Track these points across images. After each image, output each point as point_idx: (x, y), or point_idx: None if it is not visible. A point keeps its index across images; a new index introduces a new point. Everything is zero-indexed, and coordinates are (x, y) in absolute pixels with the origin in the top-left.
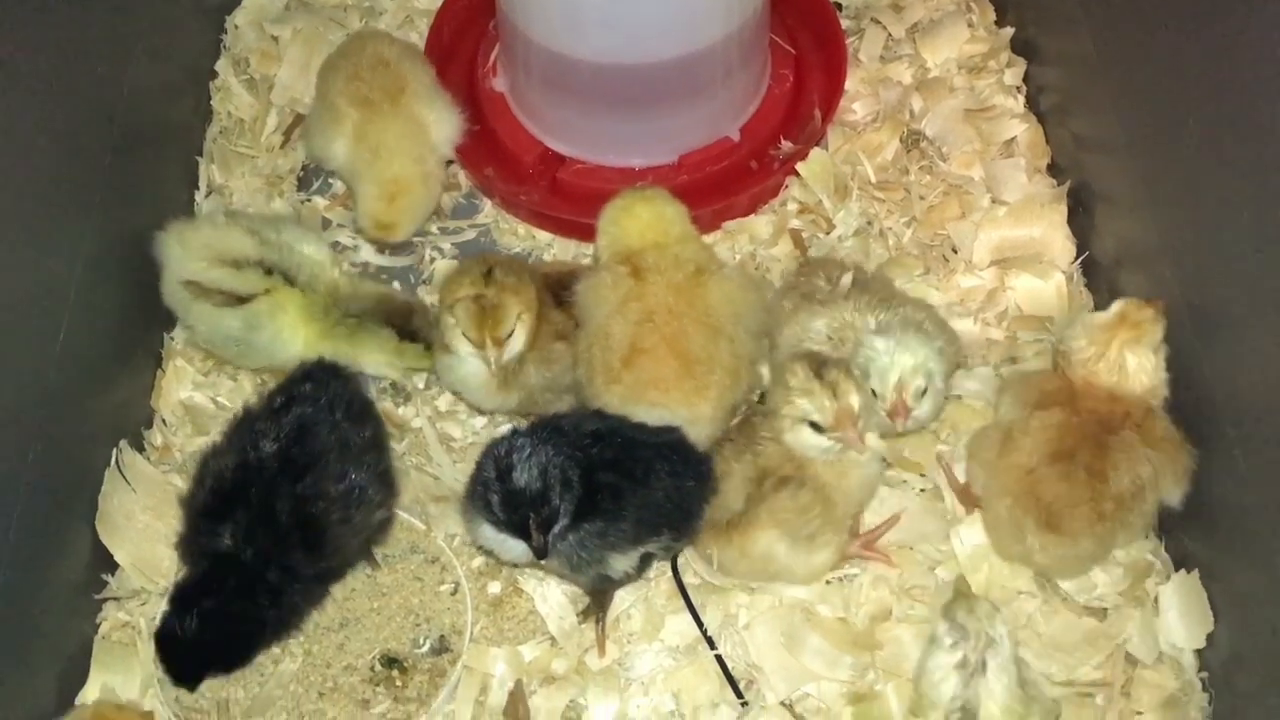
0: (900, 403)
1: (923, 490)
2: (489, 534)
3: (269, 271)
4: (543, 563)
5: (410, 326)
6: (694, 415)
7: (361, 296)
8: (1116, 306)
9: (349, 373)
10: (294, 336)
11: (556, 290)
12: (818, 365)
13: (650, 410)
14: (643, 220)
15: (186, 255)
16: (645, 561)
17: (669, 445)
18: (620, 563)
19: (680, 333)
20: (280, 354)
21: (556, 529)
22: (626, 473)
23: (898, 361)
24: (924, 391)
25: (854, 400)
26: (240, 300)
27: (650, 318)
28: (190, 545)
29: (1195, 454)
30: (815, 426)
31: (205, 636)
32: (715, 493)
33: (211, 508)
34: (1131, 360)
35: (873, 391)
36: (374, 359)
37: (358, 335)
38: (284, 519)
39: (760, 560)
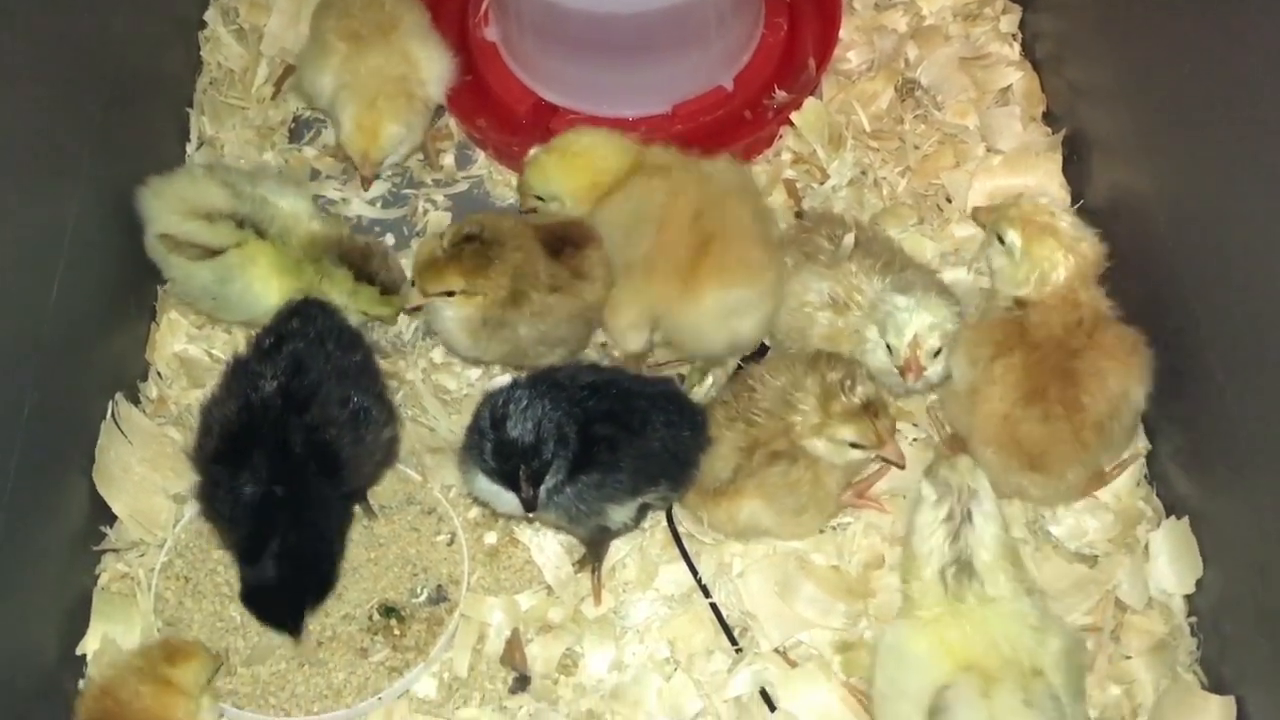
0: (914, 359)
1: (915, 439)
2: (484, 485)
3: (241, 224)
4: (539, 515)
5: (368, 269)
6: (768, 288)
7: (321, 239)
8: (1013, 232)
9: (333, 306)
10: (266, 290)
11: (551, 243)
12: (845, 383)
13: (733, 293)
14: (594, 154)
15: (161, 208)
16: (642, 512)
17: (665, 396)
18: (618, 514)
19: (725, 227)
20: (254, 307)
21: (550, 484)
22: (623, 424)
23: (916, 319)
24: (938, 352)
25: (890, 414)
26: (213, 253)
27: (699, 216)
28: (210, 495)
29: (1151, 353)
30: (856, 445)
31: (289, 574)
32: (711, 443)
33: (224, 454)
34: (1072, 235)
35: (888, 347)
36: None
37: (320, 280)
38: (298, 450)
39: (745, 525)
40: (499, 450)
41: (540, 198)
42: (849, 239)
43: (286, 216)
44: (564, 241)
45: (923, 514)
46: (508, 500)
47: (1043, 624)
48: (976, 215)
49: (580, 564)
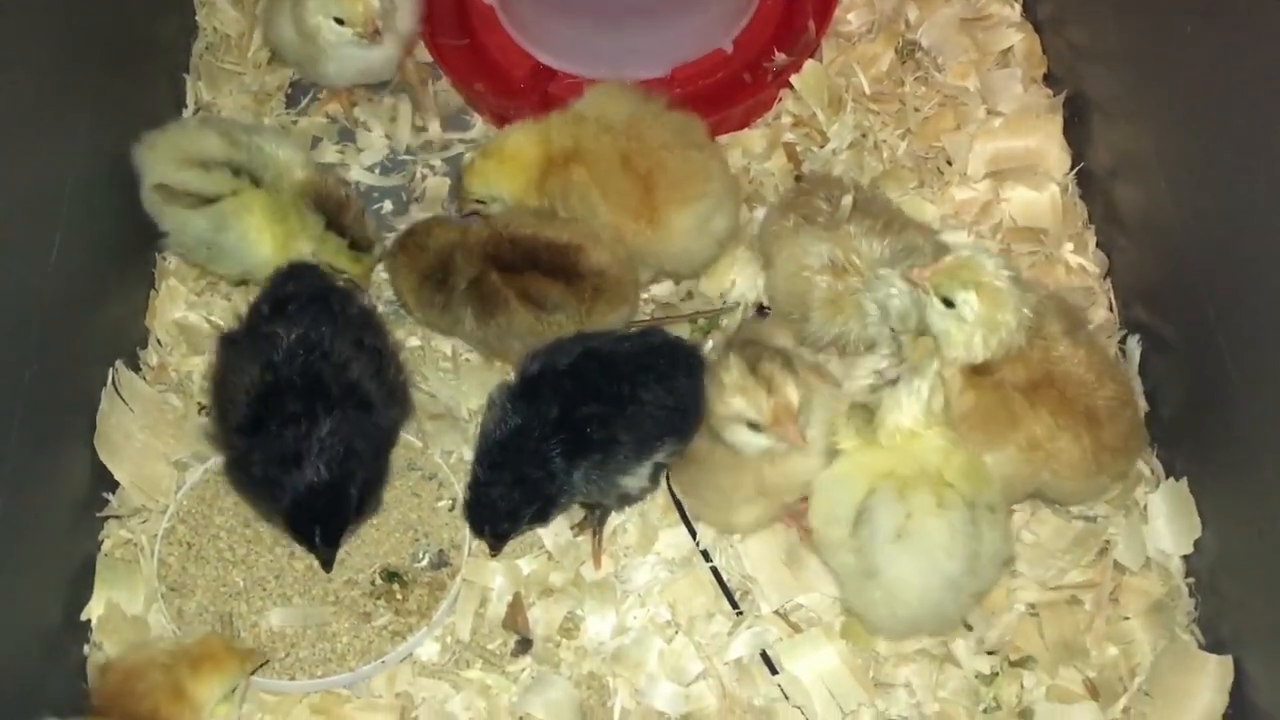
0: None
1: None
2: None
3: (237, 172)
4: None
5: (340, 219)
6: (720, 178)
7: (305, 184)
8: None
9: (322, 267)
10: (261, 238)
11: (517, 255)
12: (754, 359)
13: (694, 205)
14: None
15: (156, 159)
16: (657, 471)
17: (651, 350)
18: (632, 481)
19: (658, 150)
20: (249, 257)
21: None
22: (611, 397)
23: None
24: None
25: (792, 394)
26: (208, 201)
27: (628, 161)
28: (243, 464)
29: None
30: (754, 425)
31: (330, 488)
32: (707, 381)
33: (255, 420)
34: (1018, 294)
35: (892, 330)
36: (297, 247)
37: (298, 227)
38: (334, 389)
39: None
40: (478, 504)
41: (481, 200)
42: (847, 200)
43: (281, 164)
44: (533, 263)
45: (865, 360)
46: None
47: (949, 446)
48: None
49: (580, 527)
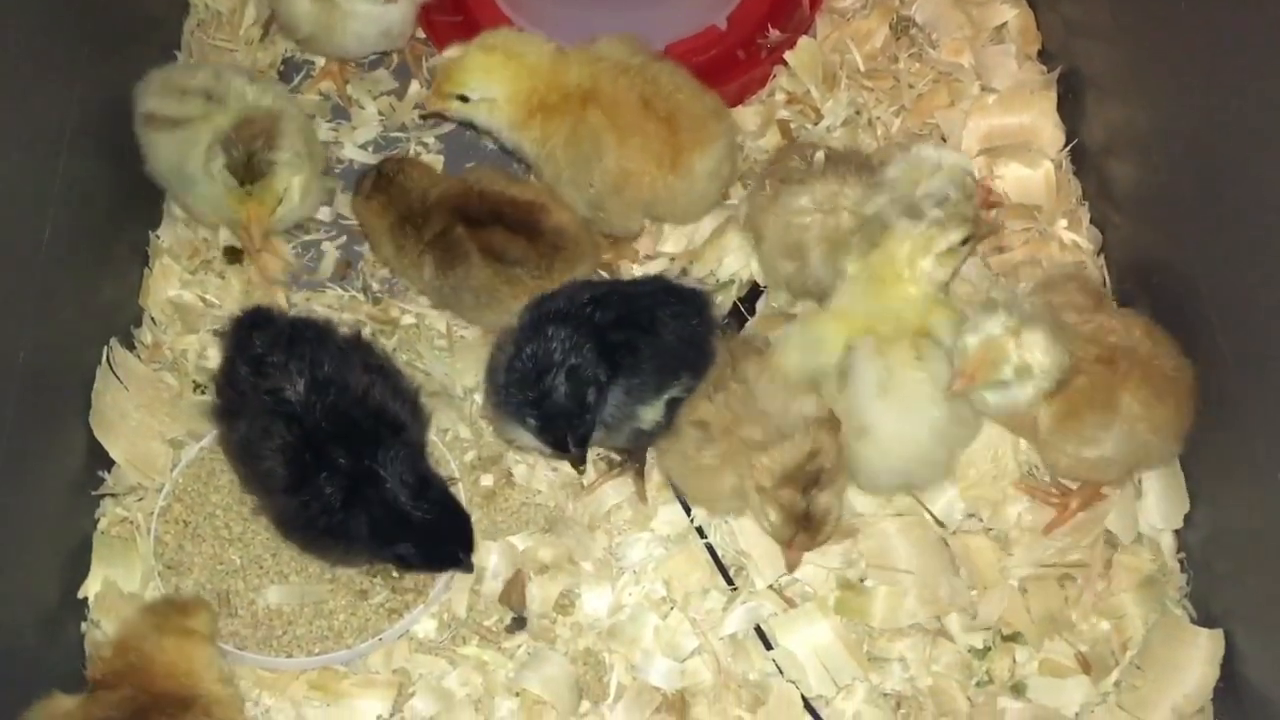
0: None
1: None
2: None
3: (209, 99)
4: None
5: (230, 140)
6: (728, 120)
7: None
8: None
9: (277, 309)
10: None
11: (481, 209)
12: (810, 479)
13: (714, 147)
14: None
15: (147, 91)
16: (672, 408)
17: (664, 291)
18: (649, 413)
19: (673, 93)
20: (213, 189)
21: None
22: (635, 325)
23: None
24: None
25: (820, 542)
26: (178, 125)
27: (648, 104)
28: (307, 516)
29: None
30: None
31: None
32: (719, 323)
33: (300, 478)
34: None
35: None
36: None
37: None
38: (366, 422)
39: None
40: (544, 421)
41: (464, 97)
42: (820, 155)
43: (242, 94)
44: (498, 218)
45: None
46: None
47: (928, 301)
48: (956, 393)
49: (620, 468)
